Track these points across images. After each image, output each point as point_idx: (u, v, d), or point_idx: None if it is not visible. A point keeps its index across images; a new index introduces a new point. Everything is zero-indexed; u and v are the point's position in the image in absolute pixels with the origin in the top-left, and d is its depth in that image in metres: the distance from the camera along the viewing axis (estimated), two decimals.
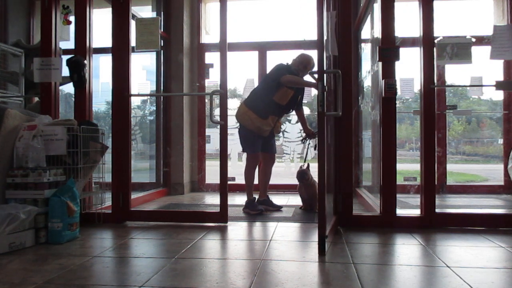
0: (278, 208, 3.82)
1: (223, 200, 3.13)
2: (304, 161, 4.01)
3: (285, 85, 3.62)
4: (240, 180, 5.19)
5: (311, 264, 2.14)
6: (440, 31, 3.12)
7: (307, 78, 3.74)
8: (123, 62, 3.25)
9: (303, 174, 3.85)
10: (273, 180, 5.47)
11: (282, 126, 3.89)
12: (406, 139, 9.63)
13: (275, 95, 3.63)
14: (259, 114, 3.64)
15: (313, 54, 2.57)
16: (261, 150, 3.82)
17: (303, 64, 3.68)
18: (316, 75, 2.51)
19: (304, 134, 4.10)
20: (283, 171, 6.06)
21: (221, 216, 3.13)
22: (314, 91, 4.80)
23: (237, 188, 5.15)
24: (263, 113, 3.65)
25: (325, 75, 2.42)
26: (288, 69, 3.67)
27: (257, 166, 3.93)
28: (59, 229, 2.58)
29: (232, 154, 5.70)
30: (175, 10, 5.07)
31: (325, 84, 2.36)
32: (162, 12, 5.03)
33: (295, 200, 4.37)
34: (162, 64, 5.08)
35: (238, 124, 3.86)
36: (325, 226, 2.33)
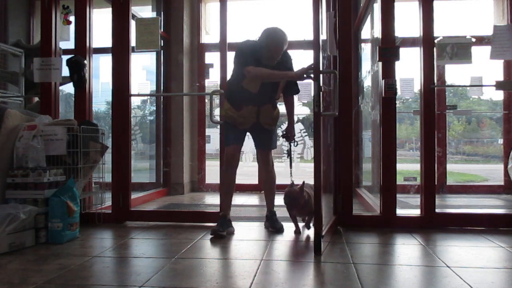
0: (279, 229, 2.92)
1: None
2: (290, 169, 3.03)
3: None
4: (240, 180, 5.20)
5: (311, 264, 2.14)
6: (440, 31, 3.13)
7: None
8: (123, 62, 3.25)
9: (293, 199, 2.80)
10: None
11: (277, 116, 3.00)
12: (406, 139, 9.63)
13: (244, 80, 2.83)
14: (232, 103, 2.91)
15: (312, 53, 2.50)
16: (255, 146, 3.08)
17: (270, 52, 2.78)
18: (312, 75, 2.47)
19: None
20: (283, 171, 6.05)
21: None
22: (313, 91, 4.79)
23: (237, 188, 5.10)
24: (236, 103, 2.90)
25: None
26: (253, 52, 2.81)
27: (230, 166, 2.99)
28: (59, 229, 2.58)
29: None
30: (175, 10, 5.07)
31: (321, 84, 2.36)
32: (162, 12, 5.04)
33: None
34: (162, 64, 5.08)
35: None
36: (321, 225, 2.33)
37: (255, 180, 5.22)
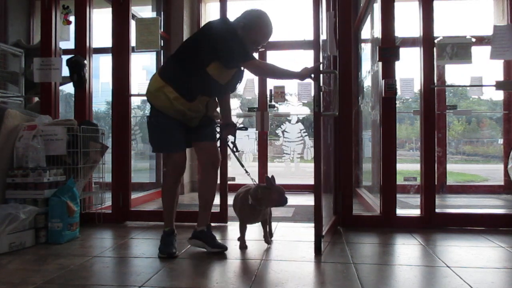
0: (222, 248, 2.37)
1: (223, 200, 3.14)
2: (245, 170, 2.62)
3: (254, 74, 2.39)
4: (240, 180, 5.20)
5: (311, 264, 2.14)
6: (440, 31, 3.13)
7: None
8: (123, 62, 3.25)
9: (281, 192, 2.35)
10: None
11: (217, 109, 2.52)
12: (406, 139, 9.64)
13: (210, 65, 2.24)
14: (182, 92, 2.25)
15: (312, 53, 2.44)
16: (193, 140, 2.45)
17: (260, 38, 2.35)
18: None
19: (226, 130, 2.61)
20: (283, 171, 6.06)
21: (221, 216, 3.13)
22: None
23: (237, 188, 5.14)
24: (189, 92, 2.26)
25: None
26: (240, 40, 2.29)
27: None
28: (59, 229, 2.58)
29: (232, 154, 5.69)
30: (175, 10, 5.07)
31: (321, 84, 2.36)
32: (162, 12, 5.03)
33: (295, 200, 4.37)
34: (162, 64, 5.07)
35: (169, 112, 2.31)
36: (321, 226, 2.34)
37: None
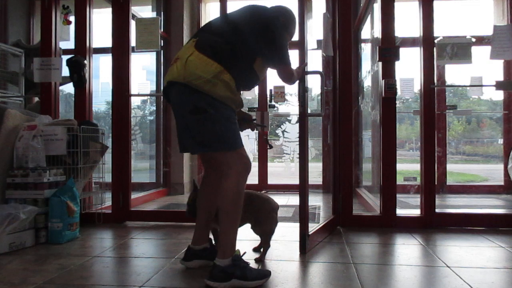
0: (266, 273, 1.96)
1: None
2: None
3: (281, 78, 2.10)
4: None
5: (311, 264, 2.14)
6: (440, 31, 3.13)
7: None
8: (123, 62, 3.25)
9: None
10: (273, 180, 5.52)
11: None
12: (406, 139, 9.63)
13: (256, 60, 1.97)
14: (237, 80, 1.90)
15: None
16: None
17: (290, 38, 2.22)
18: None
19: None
20: (283, 171, 6.06)
21: None
22: (317, 90, 4.78)
23: None
24: (240, 83, 1.94)
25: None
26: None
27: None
28: (59, 229, 2.58)
29: None
30: (175, 10, 5.07)
31: (306, 85, 2.37)
32: (162, 12, 5.04)
33: (295, 200, 4.37)
34: (162, 64, 5.08)
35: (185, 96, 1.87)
36: (307, 225, 2.36)
37: (255, 180, 5.23)
